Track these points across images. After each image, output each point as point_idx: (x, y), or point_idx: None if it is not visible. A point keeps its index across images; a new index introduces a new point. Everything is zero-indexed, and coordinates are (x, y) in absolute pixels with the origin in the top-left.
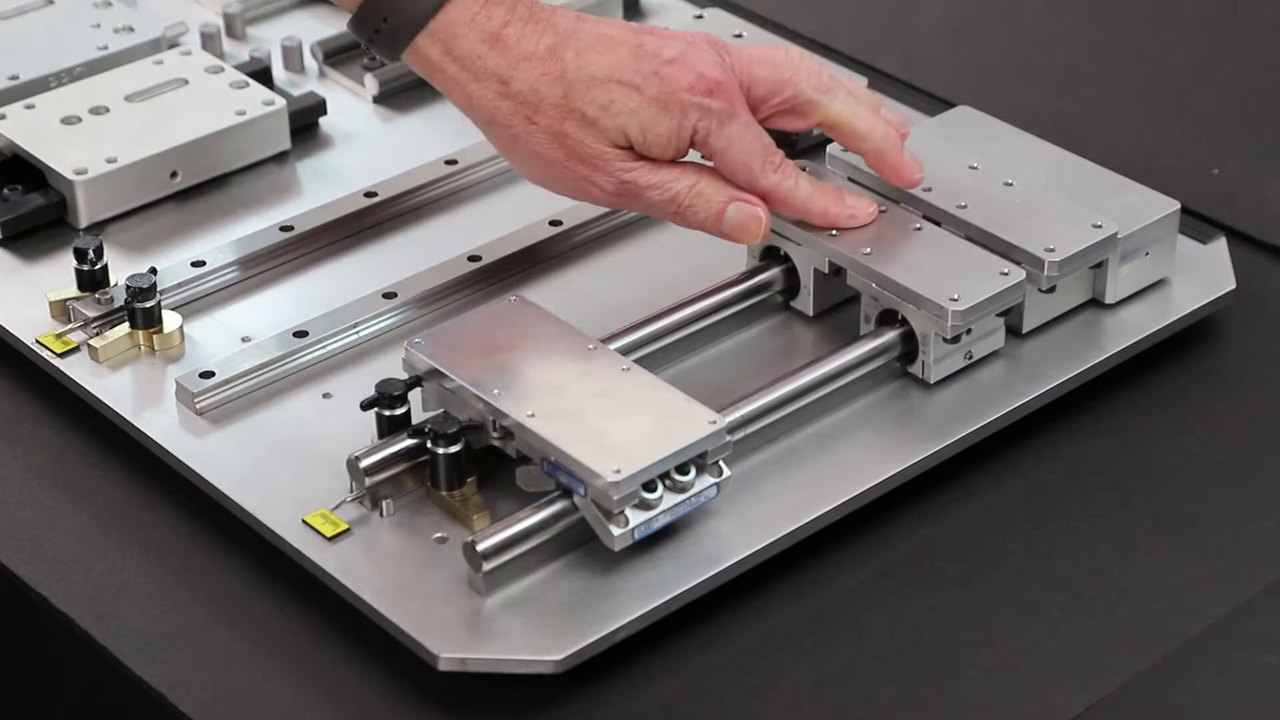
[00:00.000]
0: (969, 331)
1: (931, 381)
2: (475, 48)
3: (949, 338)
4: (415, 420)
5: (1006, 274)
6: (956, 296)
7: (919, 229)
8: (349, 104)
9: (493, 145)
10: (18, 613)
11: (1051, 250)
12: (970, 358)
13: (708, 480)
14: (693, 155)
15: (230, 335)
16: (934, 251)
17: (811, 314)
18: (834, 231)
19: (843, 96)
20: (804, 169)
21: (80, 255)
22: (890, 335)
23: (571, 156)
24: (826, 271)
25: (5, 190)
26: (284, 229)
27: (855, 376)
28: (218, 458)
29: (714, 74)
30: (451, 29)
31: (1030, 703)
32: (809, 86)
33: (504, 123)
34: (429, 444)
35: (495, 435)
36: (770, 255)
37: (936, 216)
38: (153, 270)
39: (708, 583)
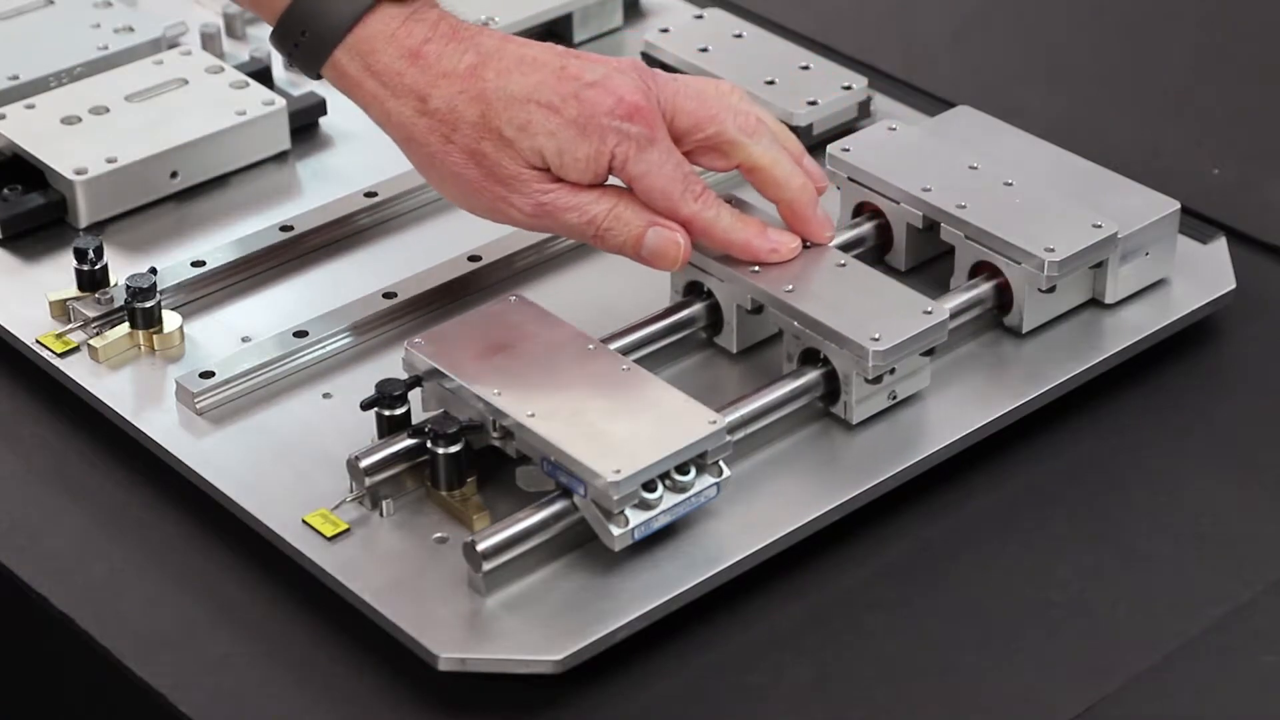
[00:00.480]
0: (892, 371)
1: (854, 423)
2: (394, 63)
3: (870, 378)
4: (415, 420)
5: (930, 313)
6: (878, 336)
7: (843, 265)
8: (349, 104)
9: (411, 164)
10: (18, 613)
11: (1051, 250)
12: (894, 398)
13: (708, 480)
14: (615, 181)
15: (230, 335)
16: (857, 289)
17: (735, 351)
18: (756, 267)
19: (766, 141)
20: (729, 201)
21: (80, 255)
22: (812, 375)
23: (489, 177)
24: (749, 309)
25: (5, 190)
26: (284, 229)
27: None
28: (218, 458)
29: (634, 99)
30: (370, 43)
31: (1030, 703)
32: (734, 126)
33: (421, 140)
34: (429, 444)
35: (495, 435)
36: (693, 291)
37: (936, 216)
38: (153, 270)
39: (708, 583)
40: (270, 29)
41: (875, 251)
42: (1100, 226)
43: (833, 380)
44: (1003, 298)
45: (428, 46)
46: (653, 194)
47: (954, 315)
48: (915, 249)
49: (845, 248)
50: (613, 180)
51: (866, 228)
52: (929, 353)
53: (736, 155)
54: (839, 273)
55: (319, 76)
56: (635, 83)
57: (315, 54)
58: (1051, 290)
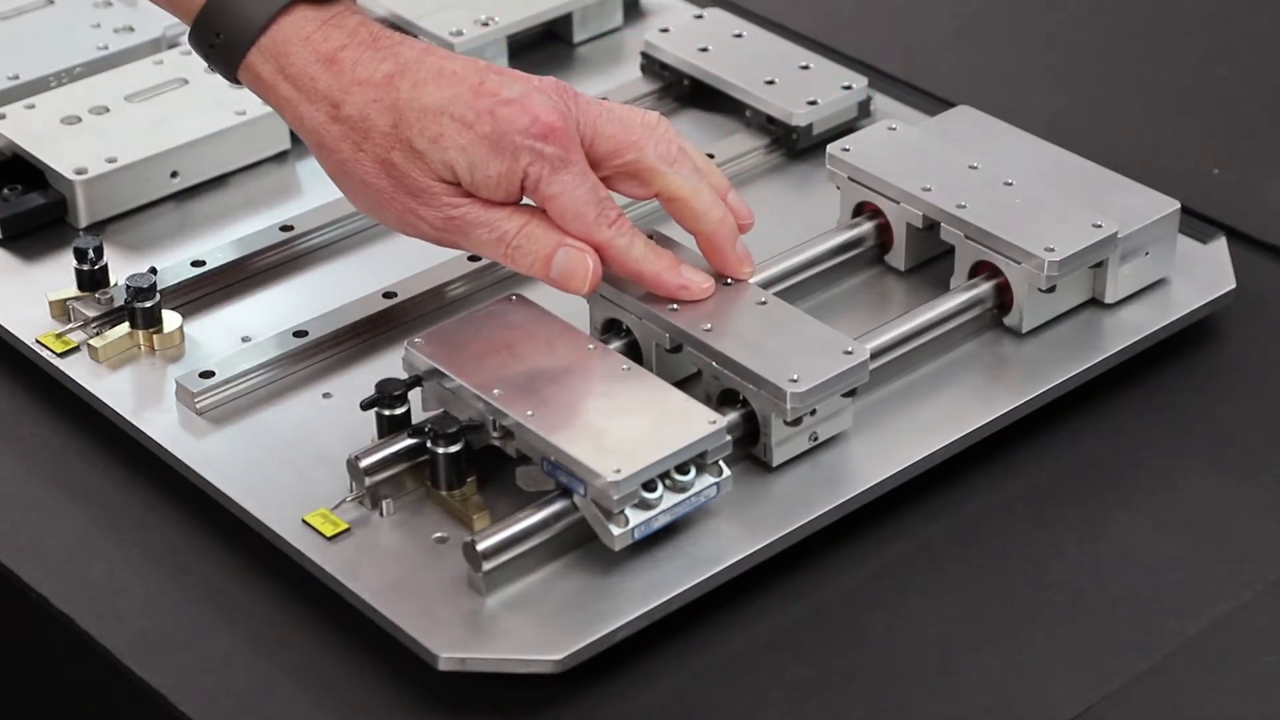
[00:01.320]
0: (813, 413)
1: (773, 465)
2: (308, 68)
3: (789, 420)
4: (415, 420)
5: (850, 353)
6: (796, 378)
7: (763, 304)
8: None
9: (323, 169)
10: (18, 613)
11: (1051, 250)
12: (815, 439)
13: (707, 480)
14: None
15: (230, 335)
16: (777, 329)
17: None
18: (674, 305)
19: (687, 171)
20: (651, 235)
21: (80, 255)
22: (732, 417)
23: (398, 187)
24: (667, 348)
25: (5, 190)
26: (284, 229)
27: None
28: (218, 458)
29: (550, 119)
30: (285, 46)
31: (1030, 703)
32: (654, 154)
33: (332, 147)
34: (429, 444)
35: (495, 435)
36: (612, 329)
37: (936, 216)
38: (153, 270)
39: (708, 583)
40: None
41: (875, 251)
42: (1100, 226)
43: (752, 421)
44: (1003, 297)
45: (344, 53)
46: (566, 216)
47: (954, 315)
48: (915, 249)
49: (845, 248)
50: (526, 201)
51: (866, 227)
52: (851, 393)
53: (655, 183)
54: (759, 311)
55: (237, 80)
56: (553, 103)
57: (230, 56)
58: (1051, 290)
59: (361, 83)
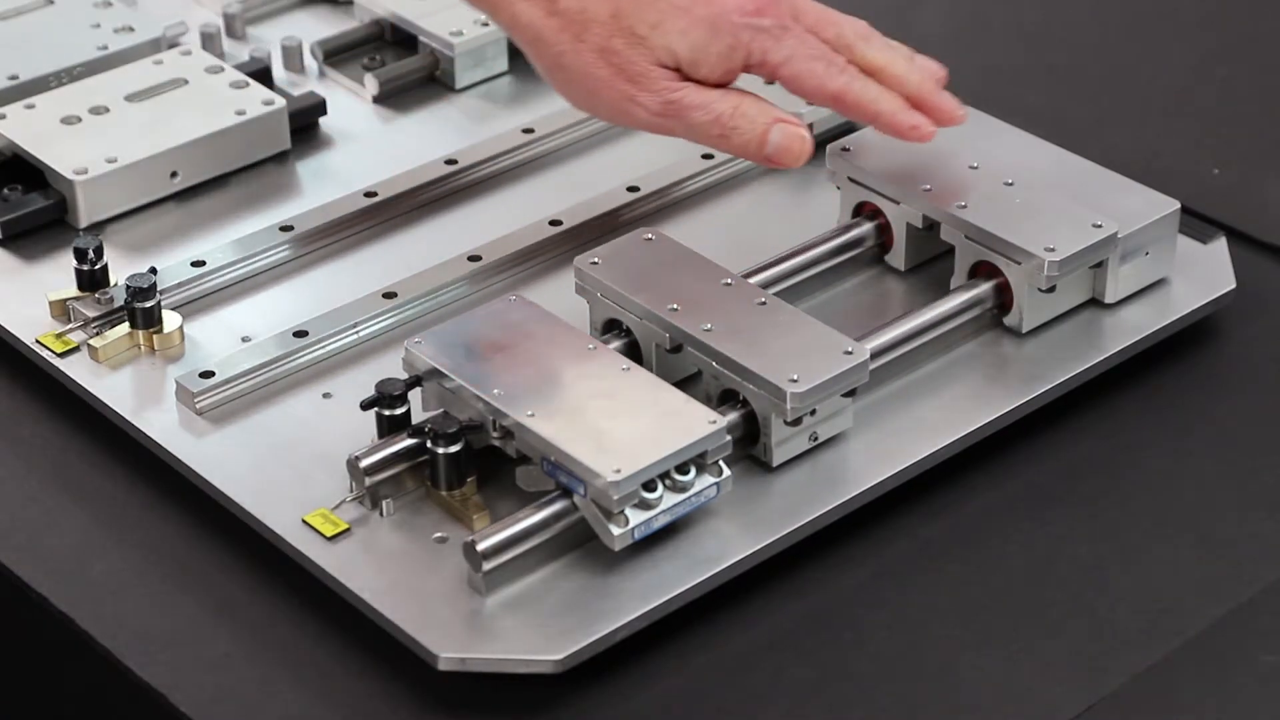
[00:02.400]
0: (813, 413)
1: (774, 465)
2: None
3: (789, 420)
4: (415, 420)
5: (850, 353)
6: (796, 378)
7: (763, 304)
8: (349, 104)
9: (534, 66)
10: (18, 613)
11: (1051, 250)
12: (815, 439)
13: (707, 480)
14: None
15: (230, 335)
16: (777, 329)
17: None
18: (674, 305)
19: (879, 44)
20: (648, 238)
21: (80, 255)
22: (732, 417)
23: (618, 74)
24: (668, 348)
25: (5, 190)
26: (284, 229)
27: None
28: (218, 458)
29: None
30: None
31: (1030, 703)
32: (850, 31)
33: (550, 40)
34: (429, 444)
35: (495, 435)
36: (613, 328)
37: (937, 216)
38: (153, 270)
39: (708, 583)
40: (348, 15)
41: (875, 251)
42: (1100, 226)
43: (752, 422)
44: (1003, 297)
45: None
46: (801, 75)
47: (954, 315)
48: (915, 249)
49: (845, 248)
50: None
51: (866, 228)
52: (850, 393)
53: (854, 56)
54: (759, 311)
55: None
56: None
57: None
58: (1051, 290)
59: None
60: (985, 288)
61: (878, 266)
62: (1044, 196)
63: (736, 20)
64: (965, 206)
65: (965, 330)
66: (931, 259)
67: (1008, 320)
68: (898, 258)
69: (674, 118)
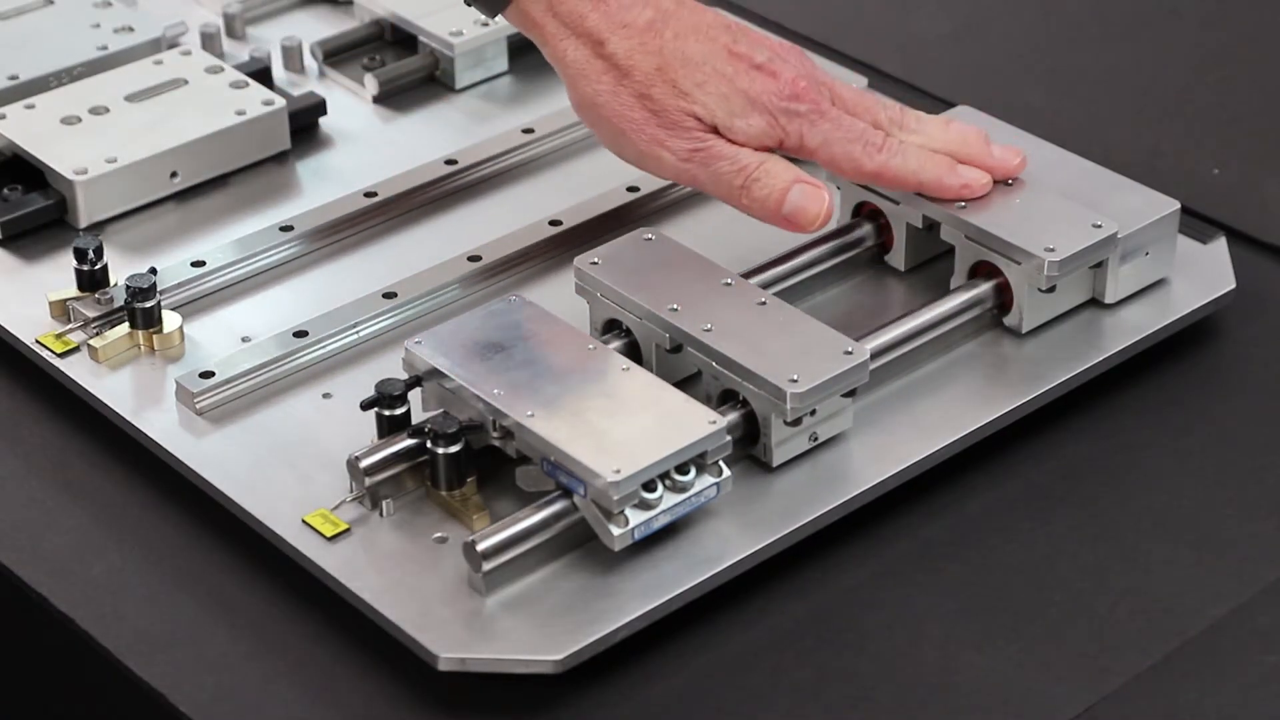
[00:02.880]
0: (813, 413)
1: (774, 465)
2: (578, 6)
3: (789, 420)
4: (415, 420)
5: (850, 353)
6: (796, 378)
7: (763, 304)
8: (349, 104)
9: (572, 104)
10: (18, 613)
11: (1051, 250)
12: (815, 440)
13: (707, 480)
14: None
15: (230, 335)
16: (777, 329)
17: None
18: (674, 305)
19: (913, 123)
20: (648, 238)
21: (80, 255)
22: (732, 417)
23: (651, 118)
24: (668, 348)
25: (5, 190)
26: (284, 229)
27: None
28: (217, 458)
29: (800, 83)
30: None
31: (1030, 703)
32: (885, 117)
33: (593, 78)
34: (429, 444)
35: (495, 435)
36: (613, 328)
37: (936, 216)
38: (152, 270)
39: (708, 583)
40: (348, 16)
41: (875, 251)
42: (1100, 226)
43: (752, 422)
44: (1003, 297)
45: None
46: (838, 159)
47: (954, 315)
48: (915, 249)
49: (845, 248)
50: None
51: (866, 228)
52: (851, 393)
53: (903, 136)
54: (759, 311)
55: (496, 14)
56: (797, 63)
57: None
58: (1051, 290)
59: (626, 25)
60: (985, 288)
61: (878, 266)
62: (1044, 196)
63: (774, 103)
64: (965, 207)
65: (965, 330)
66: (931, 259)
67: (1008, 320)
68: (898, 258)
69: (699, 164)
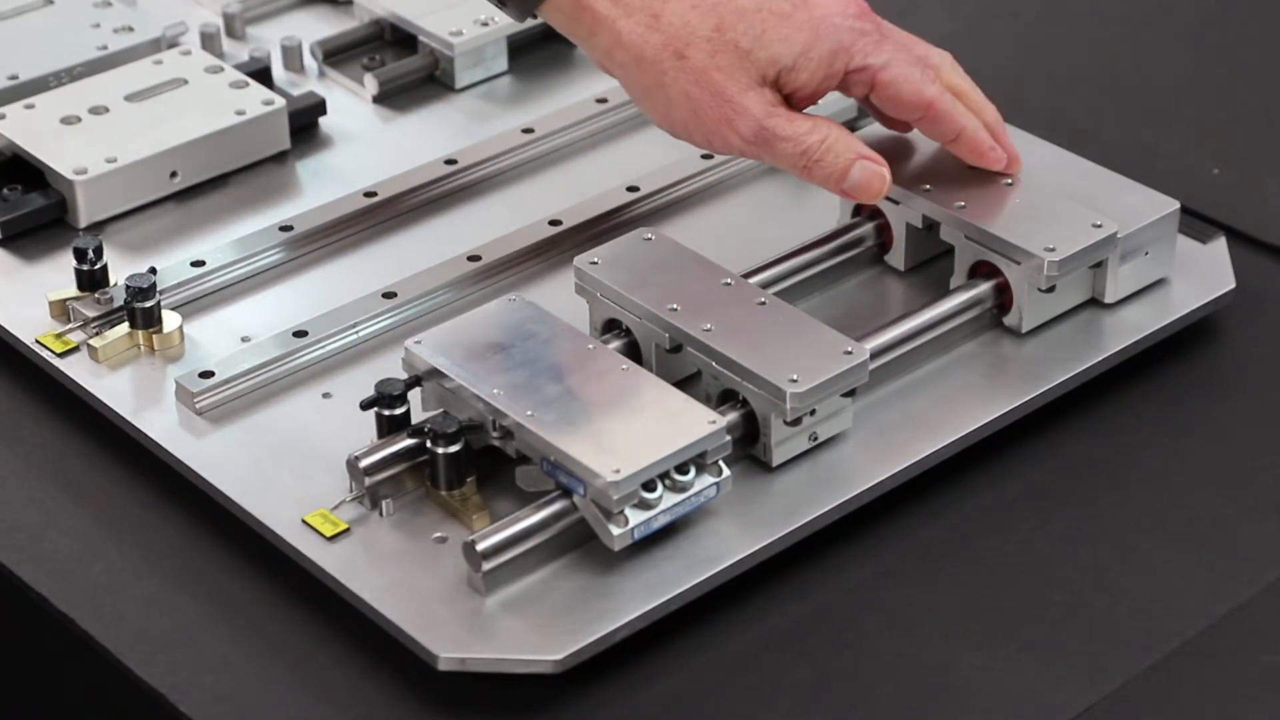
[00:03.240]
0: (812, 413)
1: (774, 465)
2: None
3: (789, 420)
4: (415, 420)
5: (850, 353)
6: (796, 378)
7: (763, 304)
8: (349, 104)
9: (630, 92)
10: (18, 613)
11: (1051, 250)
12: (815, 439)
13: (707, 480)
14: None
15: (230, 335)
16: (777, 329)
17: None
18: (674, 305)
19: (961, 73)
20: (647, 238)
21: (80, 255)
22: (731, 417)
23: (717, 98)
24: (668, 348)
25: (5, 190)
26: (284, 229)
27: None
28: (217, 458)
29: (859, 1)
30: None
31: (1030, 703)
32: (936, 54)
33: (653, 59)
34: (429, 444)
35: (495, 435)
36: (613, 328)
37: (936, 216)
38: (152, 270)
39: (707, 583)
40: (348, 16)
41: (875, 251)
42: (1100, 226)
43: (751, 422)
44: (1002, 297)
45: None
46: (899, 81)
47: (954, 315)
48: (915, 249)
49: (845, 248)
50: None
51: (866, 228)
52: (850, 393)
53: (941, 75)
54: (759, 311)
55: (526, 18)
56: None
57: None
58: (1051, 290)
59: None
60: (985, 287)
61: (878, 266)
62: (1044, 196)
63: (839, 23)
64: (965, 206)
65: (965, 330)
66: (931, 259)
67: (1007, 320)
68: (897, 258)
69: (764, 144)
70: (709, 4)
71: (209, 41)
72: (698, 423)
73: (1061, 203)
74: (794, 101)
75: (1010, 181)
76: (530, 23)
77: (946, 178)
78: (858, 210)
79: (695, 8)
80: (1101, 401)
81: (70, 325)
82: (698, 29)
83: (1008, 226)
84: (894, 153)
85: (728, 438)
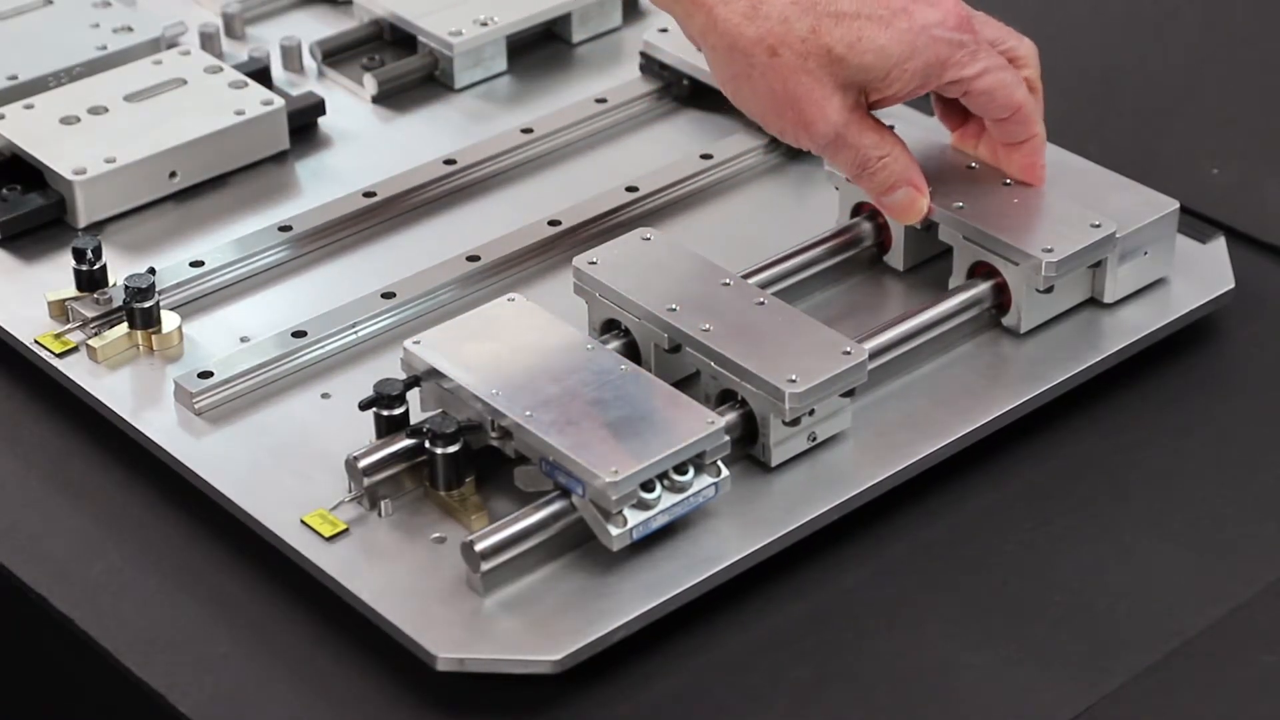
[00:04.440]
0: (811, 413)
1: (772, 465)
2: None
3: (788, 420)
4: (414, 420)
5: (849, 353)
6: (795, 378)
7: (762, 304)
8: (348, 104)
9: (716, 74)
10: (18, 613)
11: (1049, 250)
12: (814, 440)
13: (706, 480)
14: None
15: (229, 335)
16: (776, 329)
17: None
18: (674, 306)
19: (1038, 66)
20: (646, 238)
21: (79, 255)
22: (730, 417)
23: (800, 101)
24: (666, 348)
25: (4, 190)
26: (283, 229)
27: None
28: (216, 458)
29: (961, 11)
30: None
31: (1030, 703)
32: (1024, 48)
33: (745, 50)
34: (427, 444)
35: (494, 435)
36: (612, 328)
37: (935, 217)
38: (151, 270)
39: (707, 582)
40: (347, 15)
41: (874, 251)
42: (1099, 226)
43: (750, 422)
44: (1001, 297)
45: None
46: (993, 90)
47: (953, 315)
48: (913, 249)
49: (844, 248)
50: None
51: (865, 227)
52: (849, 393)
53: (1025, 71)
54: (758, 311)
55: None
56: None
57: None
58: (1050, 290)
59: None
60: (983, 288)
61: (877, 266)
62: (1042, 196)
63: (938, 35)
64: (963, 207)
65: (964, 330)
66: (930, 259)
67: (1006, 321)
68: (896, 258)
69: (831, 150)
70: (807, 3)
71: (208, 41)
72: (696, 423)
73: (1060, 203)
74: (880, 104)
75: (1009, 182)
76: (529, 23)
77: (945, 178)
78: (857, 210)
79: (795, 3)
80: (1101, 401)
81: (69, 325)
82: (795, 28)
83: (1006, 227)
84: None
85: (726, 438)
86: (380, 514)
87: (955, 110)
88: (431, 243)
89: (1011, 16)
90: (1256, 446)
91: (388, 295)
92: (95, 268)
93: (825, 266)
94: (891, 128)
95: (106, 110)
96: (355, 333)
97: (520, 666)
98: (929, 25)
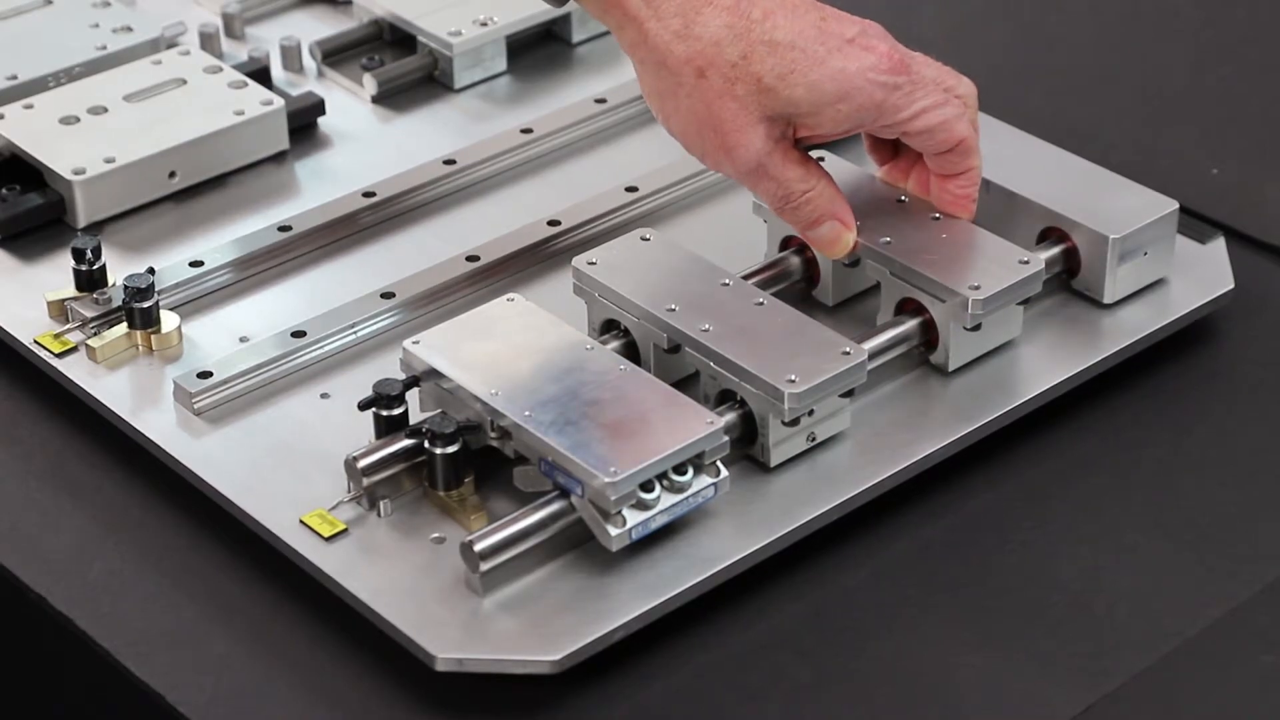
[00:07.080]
0: (810, 413)
1: (772, 465)
2: None
3: (787, 420)
4: (413, 420)
5: (848, 353)
6: (794, 378)
7: (761, 304)
8: (347, 104)
9: (644, 89)
10: (17, 613)
11: (976, 288)
12: (813, 440)
13: (705, 480)
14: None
15: (228, 335)
16: (775, 329)
17: None
18: (673, 306)
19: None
20: (644, 238)
21: (78, 255)
22: (729, 417)
23: (723, 125)
24: (666, 348)
25: (4, 190)
26: (282, 229)
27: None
28: (216, 458)
29: (894, 54)
30: None
31: (1030, 703)
32: (965, 88)
33: (674, 68)
34: (426, 444)
35: (493, 435)
36: (611, 329)
37: (860, 252)
38: (151, 270)
39: (706, 583)
40: (346, 16)
41: (803, 286)
42: (1027, 263)
43: (750, 422)
44: (929, 335)
45: None
46: (934, 129)
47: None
48: (841, 284)
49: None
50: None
51: (793, 261)
52: (848, 394)
53: (968, 113)
54: (757, 312)
55: (565, 2)
56: (890, 41)
57: None
58: (978, 329)
59: (712, 3)
60: (911, 325)
61: (806, 301)
62: (970, 232)
63: (872, 78)
64: (891, 242)
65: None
66: (860, 294)
67: (934, 358)
68: (825, 293)
69: (752, 179)
70: (742, 28)
71: (208, 41)
72: (696, 423)
73: (987, 239)
74: (808, 140)
75: (938, 216)
76: (529, 23)
77: (873, 211)
78: (785, 244)
79: (729, 27)
80: (1101, 401)
81: (69, 325)
82: (726, 52)
83: (933, 263)
84: None
85: (725, 438)
86: (379, 514)
87: (884, 146)
88: (431, 243)
89: (1012, 17)
90: (1256, 446)
91: (387, 295)
92: (95, 268)
93: None
94: (822, 159)
95: (106, 110)
96: (354, 333)
97: (519, 667)
98: (865, 69)
